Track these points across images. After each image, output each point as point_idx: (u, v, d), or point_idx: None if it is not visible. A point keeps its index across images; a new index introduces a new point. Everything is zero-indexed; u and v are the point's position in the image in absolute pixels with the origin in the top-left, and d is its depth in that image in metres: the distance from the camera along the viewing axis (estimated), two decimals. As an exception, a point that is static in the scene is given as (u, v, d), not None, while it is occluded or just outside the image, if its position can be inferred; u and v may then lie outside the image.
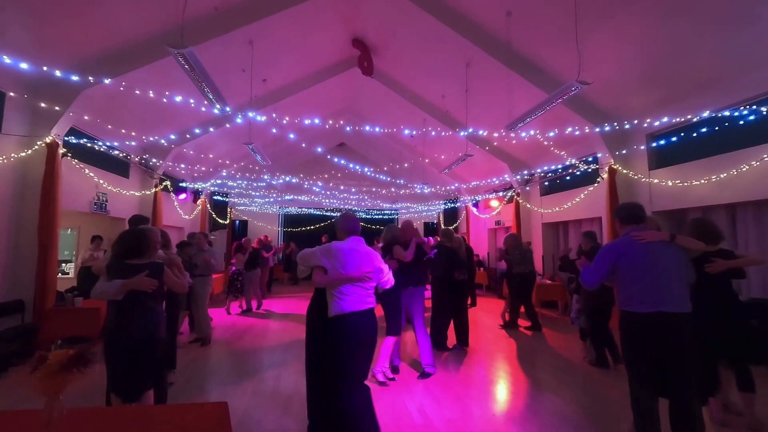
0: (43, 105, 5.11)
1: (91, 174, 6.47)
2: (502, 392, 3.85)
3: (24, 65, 4.21)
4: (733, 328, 2.96)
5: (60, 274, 6.67)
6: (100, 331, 2.57)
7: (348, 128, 7.77)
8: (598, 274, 2.59)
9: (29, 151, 5.12)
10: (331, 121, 7.51)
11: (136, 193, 8.12)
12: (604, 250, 2.67)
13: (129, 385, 2.40)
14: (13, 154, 4.97)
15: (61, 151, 5.38)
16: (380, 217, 15.66)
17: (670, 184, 5.99)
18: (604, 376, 4.22)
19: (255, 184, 12.31)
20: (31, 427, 1.45)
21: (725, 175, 5.20)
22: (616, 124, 6.08)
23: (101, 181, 6.80)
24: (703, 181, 5.51)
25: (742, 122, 5.02)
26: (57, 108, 5.21)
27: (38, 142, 5.18)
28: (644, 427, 2.40)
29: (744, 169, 4.99)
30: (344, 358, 2.50)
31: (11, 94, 4.80)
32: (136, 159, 7.98)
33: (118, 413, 1.72)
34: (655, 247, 2.48)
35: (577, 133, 6.44)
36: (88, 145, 6.25)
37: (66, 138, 5.63)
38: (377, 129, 7.39)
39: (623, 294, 2.52)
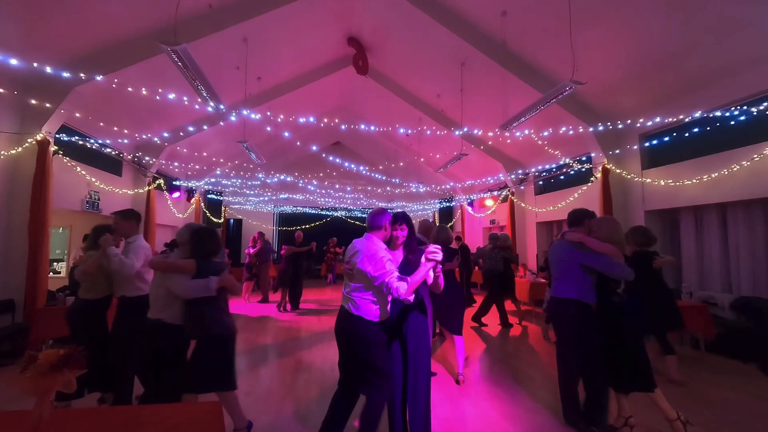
0: (33, 102, 5.04)
1: (83, 172, 6.40)
2: (495, 390, 3.86)
3: (14, 61, 4.16)
4: (668, 306, 3.94)
5: (51, 274, 6.60)
6: (172, 330, 2.70)
7: (343, 127, 7.74)
8: None
9: (20, 149, 5.05)
10: (326, 120, 7.47)
11: (129, 192, 8.04)
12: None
13: (221, 376, 2.59)
14: (3, 152, 4.90)
15: (53, 148, 5.31)
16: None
17: (663, 183, 6.05)
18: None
19: (249, 183, 12.25)
20: (22, 427, 1.43)
21: (716, 174, 5.27)
22: (609, 124, 6.13)
23: (93, 180, 6.73)
24: (694, 180, 5.58)
25: (732, 123, 5.08)
26: (48, 105, 5.14)
27: (29, 140, 5.11)
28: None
29: (735, 168, 5.06)
30: None
31: (1, 90, 4.73)
32: (129, 157, 7.90)
33: (109, 413, 1.70)
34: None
35: (570, 132, 6.48)
36: (80, 142, 6.18)
37: (57, 135, 5.56)
38: (372, 128, 7.39)
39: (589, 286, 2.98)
